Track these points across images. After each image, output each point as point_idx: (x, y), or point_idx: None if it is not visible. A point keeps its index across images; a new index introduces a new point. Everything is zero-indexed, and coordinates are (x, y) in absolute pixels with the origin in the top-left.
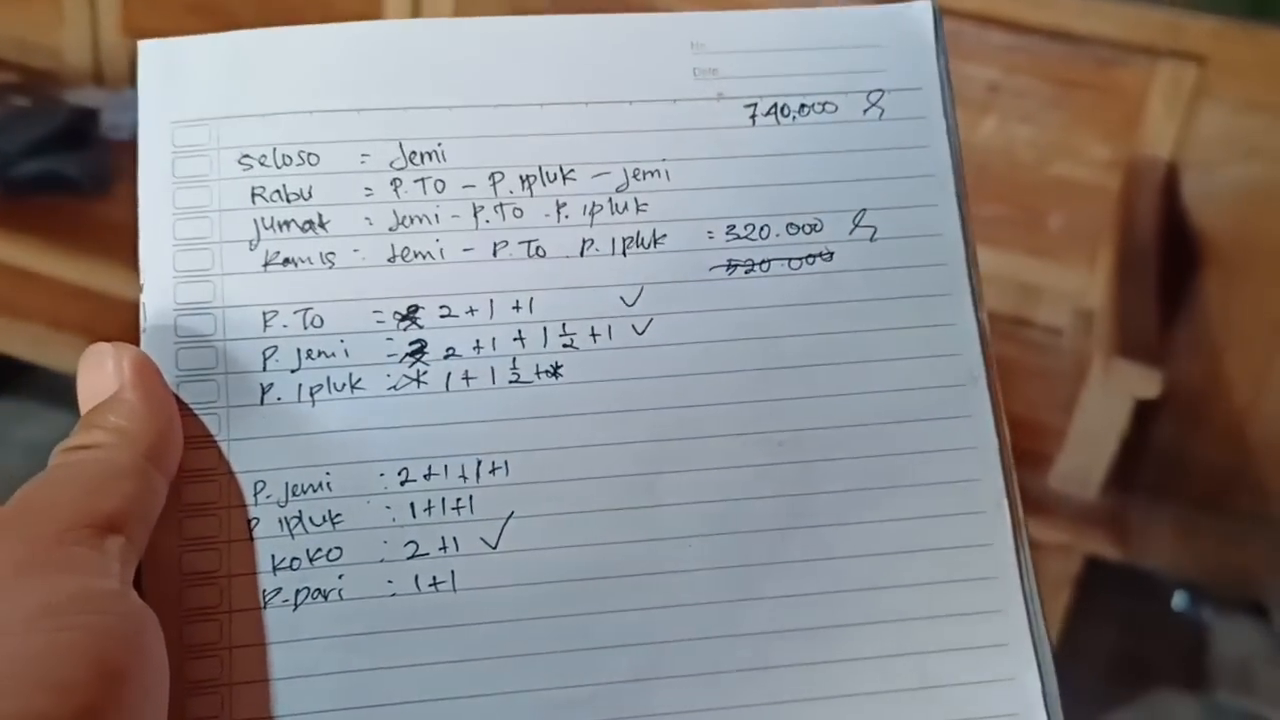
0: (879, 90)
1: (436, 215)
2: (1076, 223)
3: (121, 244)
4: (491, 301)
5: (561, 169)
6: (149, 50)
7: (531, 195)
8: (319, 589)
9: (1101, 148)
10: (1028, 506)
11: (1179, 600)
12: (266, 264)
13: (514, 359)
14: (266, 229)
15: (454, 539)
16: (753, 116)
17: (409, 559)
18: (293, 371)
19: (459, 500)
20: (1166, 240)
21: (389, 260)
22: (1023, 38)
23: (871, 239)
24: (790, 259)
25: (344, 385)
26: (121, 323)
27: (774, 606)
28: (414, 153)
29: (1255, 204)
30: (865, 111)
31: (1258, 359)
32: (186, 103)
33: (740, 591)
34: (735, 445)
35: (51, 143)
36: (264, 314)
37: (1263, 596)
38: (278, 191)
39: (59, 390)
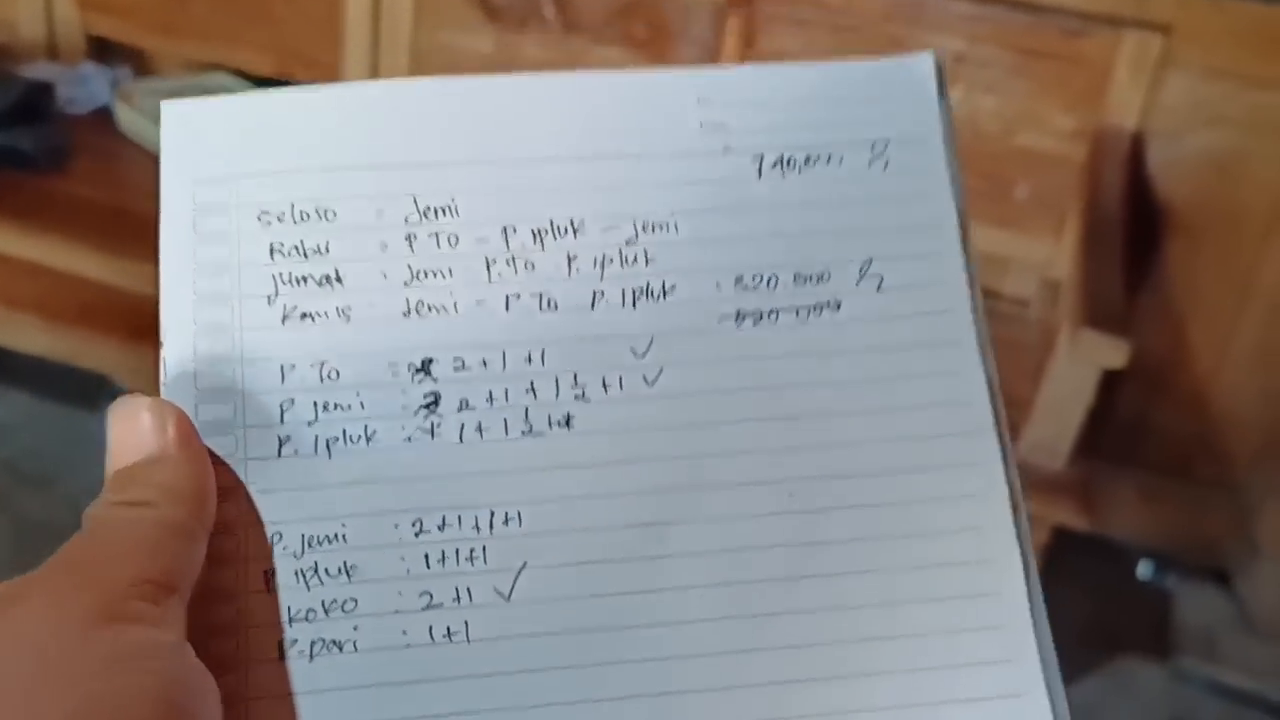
0: (884, 141)
1: (450, 269)
2: (1042, 193)
3: (77, 220)
4: (504, 354)
5: (572, 222)
6: (171, 111)
7: (543, 249)
8: (334, 640)
9: (1067, 117)
10: None
11: (1144, 568)
12: (285, 318)
13: (526, 410)
14: (285, 284)
15: (468, 590)
16: (759, 169)
17: (423, 610)
18: (309, 424)
19: (473, 551)
20: (1132, 209)
21: (404, 314)
22: (987, 7)
23: (878, 289)
24: (798, 309)
25: (359, 437)
26: (77, 301)
27: (786, 655)
28: (428, 208)
29: (1220, 172)
30: (870, 163)
31: (1221, 327)
32: (207, 162)
33: (752, 641)
34: (746, 495)
35: (6, 118)
36: (282, 367)
37: (1227, 564)
38: (295, 247)
39: (14, 369)
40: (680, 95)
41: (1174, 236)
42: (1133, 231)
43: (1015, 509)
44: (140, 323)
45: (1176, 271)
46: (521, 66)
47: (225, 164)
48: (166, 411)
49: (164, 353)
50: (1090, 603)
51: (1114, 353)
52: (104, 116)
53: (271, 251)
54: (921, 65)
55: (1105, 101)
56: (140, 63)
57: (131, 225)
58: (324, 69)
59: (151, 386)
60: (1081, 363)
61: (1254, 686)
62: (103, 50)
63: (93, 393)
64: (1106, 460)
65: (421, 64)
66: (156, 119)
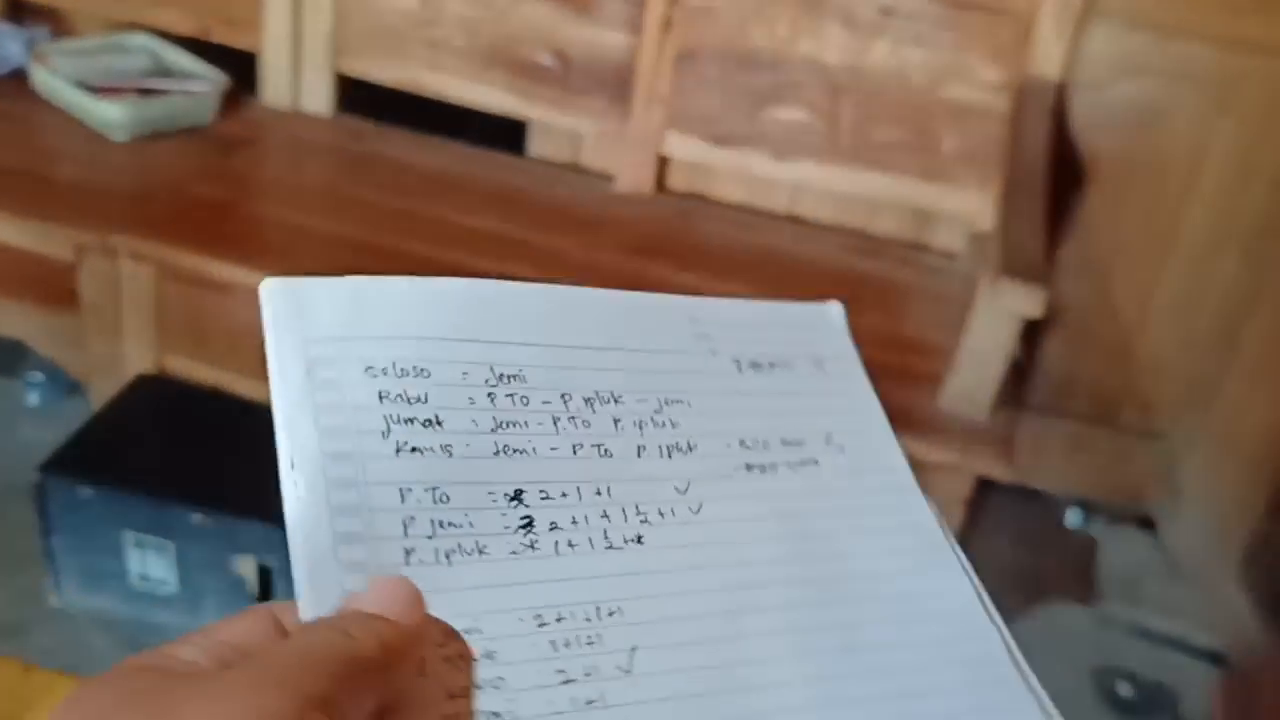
0: (820, 356)
1: (526, 421)
2: (969, 145)
3: (4, 185)
4: (578, 488)
5: (613, 394)
6: (273, 290)
7: (594, 411)
8: (494, 712)
9: (992, 69)
10: (920, 428)
11: (1072, 516)
12: (398, 450)
13: (604, 530)
14: (395, 423)
15: (595, 668)
16: (739, 367)
17: (562, 684)
18: (429, 538)
19: (589, 637)
20: (1056, 161)
21: (494, 454)
22: None
23: (842, 452)
24: (790, 463)
25: (473, 550)
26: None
27: (843, 700)
28: (503, 374)
29: (1143, 122)
30: (813, 370)
31: (1144, 277)
32: (315, 326)
33: (813, 694)
34: (781, 590)
35: None
36: (401, 490)
37: (1151, 511)
38: (400, 395)
39: None
40: (678, 313)
41: (1097, 187)
42: (1058, 183)
43: (981, 600)
44: (54, 287)
45: (1100, 222)
46: (447, 23)
47: (331, 328)
48: (404, 584)
49: (295, 476)
50: (1019, 550)
51: (1031, 302)
52: (20, 78)
53: (380, 397)
54: (836, 310)
55: (1030, 53)
56: (58, 23)
57: (46, 189)
58: (245, 27)
59: (66, 353)
60: (1000, 313)
61: (1177, 629)
62: (19, 10)
63: (7, 359)
64: (1034, 411)
65: (346, 22)
66: (73, 81)
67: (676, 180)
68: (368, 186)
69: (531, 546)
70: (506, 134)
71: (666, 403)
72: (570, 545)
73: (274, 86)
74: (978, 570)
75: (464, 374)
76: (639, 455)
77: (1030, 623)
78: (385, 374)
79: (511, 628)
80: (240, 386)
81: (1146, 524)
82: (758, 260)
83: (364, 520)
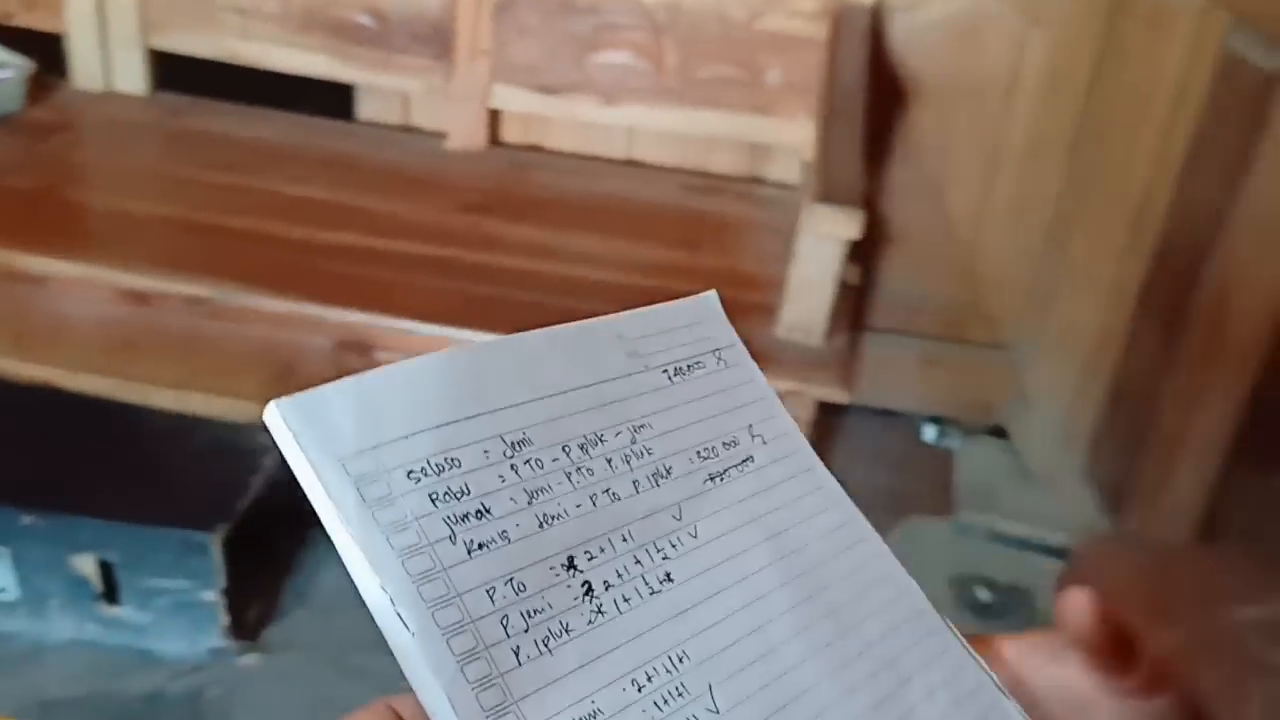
0: (719, 348)
1: (549, 485)
2: (793, 76)
3: None
4: (609, 540)
5: (598, 435)
6: (287, 411)
7: (591, 457)
8: None
9: None
10: (759, 360)
11: (928, 432)
12: (469, 552)
13: (642, 576)
14: (455, 524)
15: (694, 715)
16: (669, 378)
17: None
18: (525, 632)
19: (678, 688)
20: (879, 84)
21: (540, 528)
22: None
23: (765, 442)
24: (736, 465)
25: (560, 632)
26: None
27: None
28: (513, 443)
29: (959, 40)
30: (718, 363)
31: (976, 192)
32: (341, 441)
33: (836, 684)
34: (780, 595)
35: None
36: (487, 592)
37: (1002, 419)
38: (447, 493)
39: None
40: (605, 334)
41: (923, 107)
42: (884, 106)
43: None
44: None
45: (929, 142)
46: None
47: (359, 440)
48: None
49: (397, 609)
50: (880, 469)
51: (850, 224)
52: None
53: (433, 501)
54: (712, 297)
55: None
56: None
57: None
58: (47, 9)
59: None
60: (822, 238)
61: (1031, 532)
62: None
63: None
64: (884, 332)
65: None
66: None
67: (511, 133)
68: (191, 164)
69: (600, 611)
70: (336, 100)
71: (636, 430)
72: (625, 600)
73: (84, 68)
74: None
75: (485, 453)
76: (638, 491)
77: (891, 538)
78: (426, 475)
79: (621, 699)
80: (66, 381)
81: (1000, 433)
82: (596, 207)
83: (473, 634)
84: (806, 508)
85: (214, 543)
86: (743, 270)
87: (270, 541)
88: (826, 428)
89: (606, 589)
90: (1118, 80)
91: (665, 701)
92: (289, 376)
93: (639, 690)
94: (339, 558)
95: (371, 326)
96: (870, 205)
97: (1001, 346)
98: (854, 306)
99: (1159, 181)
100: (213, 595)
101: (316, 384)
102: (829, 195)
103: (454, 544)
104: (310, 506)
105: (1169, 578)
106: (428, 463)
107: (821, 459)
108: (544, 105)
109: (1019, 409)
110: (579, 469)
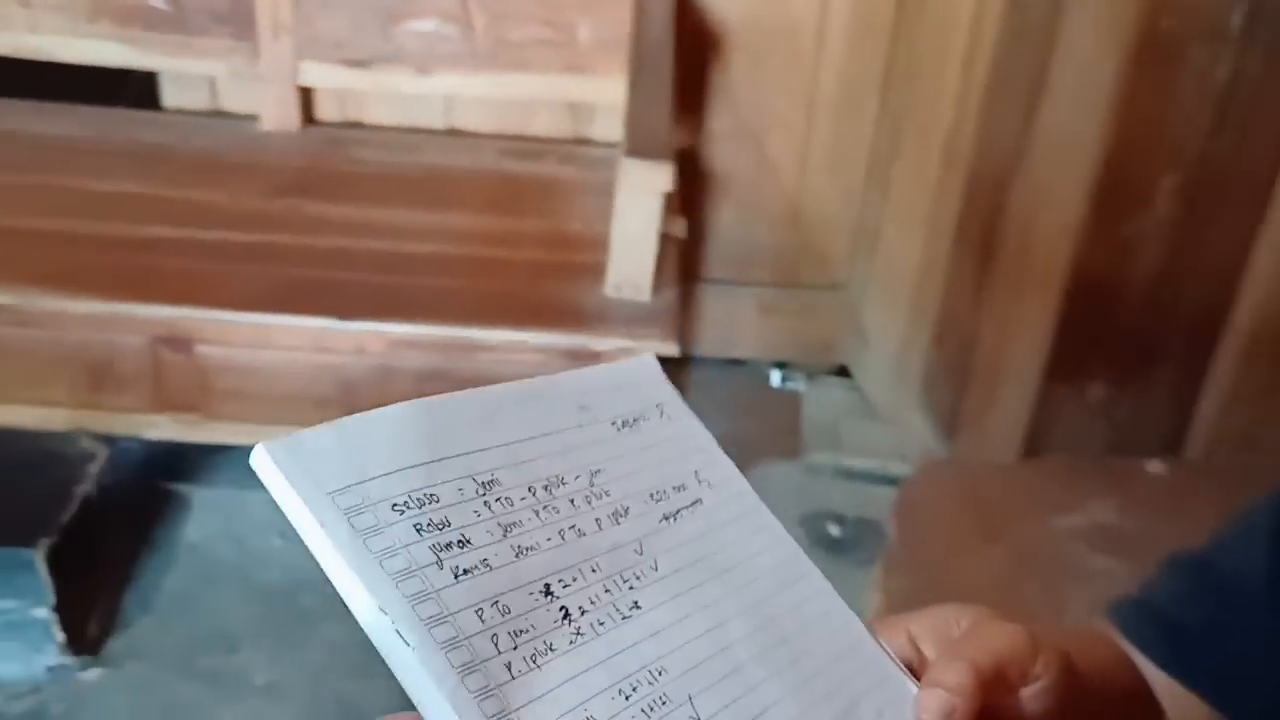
0: (660, 404)
1: (520, 520)
2: (604, 32)
3: None
4: (579, 570)
5: (560, 477)
6: (276, 451)
7: (554, 497)
8: None
9: None
10: (588, 321)
11: (774, 377)
12: (456, 577)
13: (614, 604)
14: (441, 552)
15: None
16: (617, 429)
17: None
18: (515, 649)
19: (661, 697)
20: (690, 35)
21: (516, 557)
22: None
23: (711, 487)
24: (688, 506)
25: (546, 649)
26: None
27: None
28: (484, 482)
29: None
30: (660, 417)
31: (797, 137)
32: (328, 477)
33: (798, 697)
34: (738, 622)
35: None
36: (476, 612)
37: (843, 359)
38: (430, 524)
39: None
40: (564, 390)
41: (738, 57)
42: (697, 57)
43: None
44: None
45: (746, 91)
46: None
47: (344, 476)
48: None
49: (396, 627)
50: (730, 417)
51: (660, 178)
52: None
53: (418, 531)
54: (650, 360)
55: None
56: None
57: None
58: None
59: None
60: (637, 193)
61: (876, 465)
62: None
63: None
64: (721, 283)
65: None
66: None
67: (326, 111)
68: None
69: (579, 633)
70: (140, 90)
71: (594, 474)
72: (600, 624)
73: None
74: None
75: (460, 490)
76: (600, 528)
77: None
78: (410, 507)
79: (613, 706)
80: None
81: (843, 373)
82: (416, 180)
83: (468, 649)
84: (753, 546)
85: (38, 558)
86: (569, 232)
87: (103, 551)
88: (674, 381)
89: (582, 614)
90: (919, 18)
91: (652, 709)
92: (105, 379)
93: (626, 699)
94: (181, 560)
95: (190, 320)
96: (693, 157)
97: (836, 288)
98: (683, 259)
99: (964, 115)
100: (44, 612)
101: (136, 383)
102: (639, 150)
103: (441, 569)
104: (146, 510)
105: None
106: (409, 496)
107: None
108: (355, 79)
109: (858, 348)
110: (545, 507)
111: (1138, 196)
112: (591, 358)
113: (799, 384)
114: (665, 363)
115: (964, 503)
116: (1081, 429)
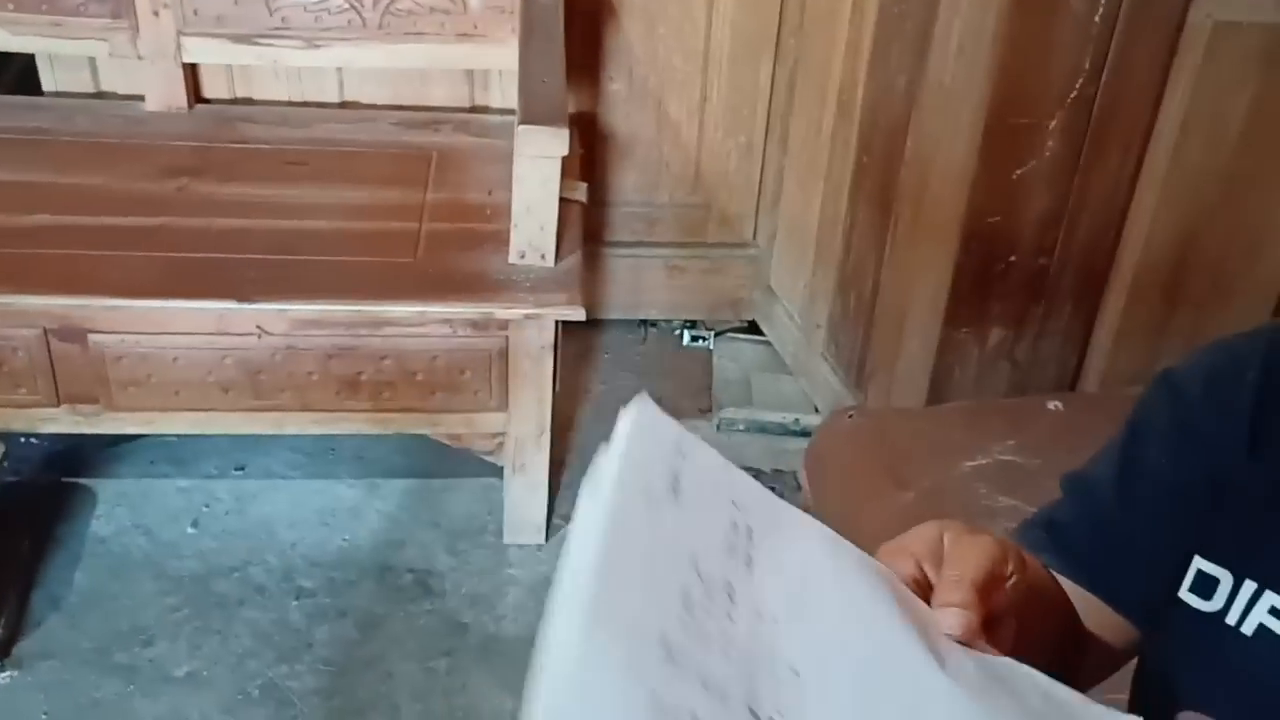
0: (674, 473)
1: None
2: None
3: None
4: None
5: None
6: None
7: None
8: None
9: None
10: (494, 289)
11: (685, 337)
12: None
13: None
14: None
15: None
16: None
17: None
18: None
19: None
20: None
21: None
22: None
23: (750, 535)
24: (745, 564)
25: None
26: None
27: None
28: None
29: None
30: (670, 486)
31: (694, 96)
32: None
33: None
34: (847, 665)
35: None
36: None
37: (752, 315)
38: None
39: None
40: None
41: (631, 18)
42: (589, 19)
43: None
44: None
45: (642, 52)
46: None
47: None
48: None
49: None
50: (643, 378)
51: (556, 142)
52: None
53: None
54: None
55: None
56: None
57: None
58: None
59: None
60: (534, 159)
61: (785, 417)
62: None
63: None
64: (626, 246)
65: None
66: None
67: (215, 88)
68: None
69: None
70: (18, 75)
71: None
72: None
73: None
74: (603, 411)
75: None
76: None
77: None
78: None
79: None
80: None
81: (753, 329)
82: (311, 155)
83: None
84: (816, 577)
85: None
86: (469, 201)
87: (8, 551)
88: (587, 344)
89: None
90: None
91: None
92: None
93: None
94: (90, 555)
95: (81, 309)
96: (592, 121)
97: (742, 245)
98: (587, 224)
99: (856, 67)
100: None
101: (30, 377)
102: (533, 116)
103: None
104: (50, 506)
105: (900, 443)
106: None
107: (586, 375)
108: (241, 55)
109: (766, 303)
110: (732, 614)
111: (1024, 141)
112: (499, 326)
113: (709, 342)
114: (574, 326)
115: (873, 451)
116: (985, 372)
